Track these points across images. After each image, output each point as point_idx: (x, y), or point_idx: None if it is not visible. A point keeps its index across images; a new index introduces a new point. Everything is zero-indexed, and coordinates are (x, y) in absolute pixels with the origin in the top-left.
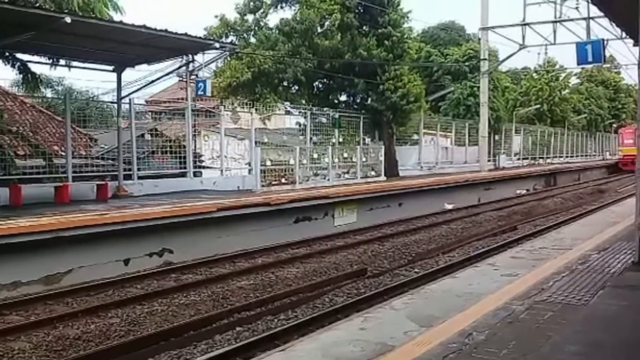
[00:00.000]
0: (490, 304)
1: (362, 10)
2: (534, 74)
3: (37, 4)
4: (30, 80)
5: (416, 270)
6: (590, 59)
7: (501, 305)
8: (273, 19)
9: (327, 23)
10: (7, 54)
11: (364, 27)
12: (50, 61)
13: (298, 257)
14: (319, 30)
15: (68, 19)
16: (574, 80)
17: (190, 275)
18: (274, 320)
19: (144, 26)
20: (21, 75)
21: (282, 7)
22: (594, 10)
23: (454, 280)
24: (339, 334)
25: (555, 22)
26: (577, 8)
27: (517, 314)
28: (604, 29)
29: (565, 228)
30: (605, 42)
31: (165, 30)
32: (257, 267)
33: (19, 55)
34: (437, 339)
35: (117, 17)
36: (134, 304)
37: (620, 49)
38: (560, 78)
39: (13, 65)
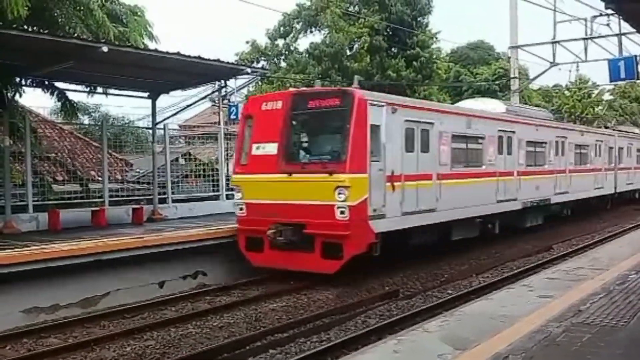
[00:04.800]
0: (525, 326)
1: (390, 33)
2: (566, 92)
3: (75, 35)
4: (69, 108)
5: (449, 291)
6: (623, 75)
7: (537, 328)
8: (303, 43)
9: (356, 46)
10: (46, 82)
11: (393, 49)
12: (88, 89)
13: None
14: (348, 53)
15: (105, 48)
16: (607, 97)
17: (224, 297)
18: (307, 343)
19: (178, 53)
20: (60, 103)
21: (311, 32)
22: (626, 27)
23: (488, 302)
24: (372, 356)
25: (586, 39)
26: (608, 25)
27: (553, 336)
28: (636, 44)
29: (602, 248)
30: (638, 58)
31: (199, 57)
32: (289, 289)
33: (58, 84)
34: None
35: (151, 45)
36: (169, 327)
37: None
38: (593, 95)
39: (52, 93)
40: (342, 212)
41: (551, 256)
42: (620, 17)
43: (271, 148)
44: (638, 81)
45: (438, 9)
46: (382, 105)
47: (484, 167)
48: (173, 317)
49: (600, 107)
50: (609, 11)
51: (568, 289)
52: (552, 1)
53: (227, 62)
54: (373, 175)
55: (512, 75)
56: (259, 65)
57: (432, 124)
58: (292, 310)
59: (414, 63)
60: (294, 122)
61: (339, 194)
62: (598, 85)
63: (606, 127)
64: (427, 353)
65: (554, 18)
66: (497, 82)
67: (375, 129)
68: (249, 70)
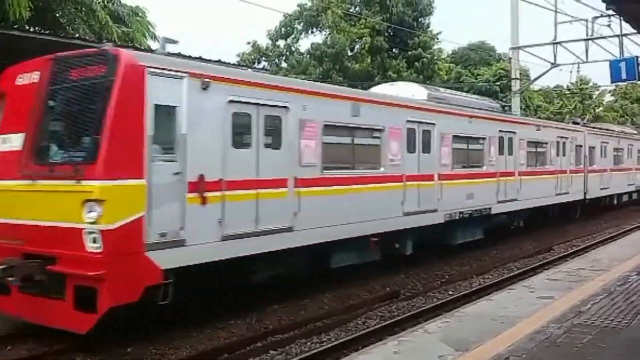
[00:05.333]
0: (526, 327)
1: (391, 33)
2: (567, 92)
3: (78, 35)
4: None
5: (450, 292)
6: (624, 76)
7: (538, 329)
8: (304, 44)
9: (357, 47)
10: None
11: (394, 50)
12: None
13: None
14: (349, 53)
15: None
16: (608, 98)
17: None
18: (307, 344)
19: (179, 54)
20: None
21: (312, 32)
22: (627, 28)
23: (489, 303)
24: (373, 357)
25: (587, 40)
26: (609, 25)
27: (554, 337)
28: (637, 45)
29: (603, 248)
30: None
31: (200, 58)
32: (290, 290)
33: None
34: None
35: (154, 45)
36: (171, 328)
37: None
38: (594, 96)
39: None
40: (93, 241)
41: (552, 257)
42: (621, 18)
43: (16, 141)
44: (639, 82)
45: (439, 10)
46: (181, 77)
47: (382, 169)
48: (174, 318)
49: (601, 108)
50: (610, 12)
51: (569, 290)
52: (552, 2)
53: (229, 64)
54: (158, 182)
55: (513, 76)
56: (260, 66)
57: (286, 108)
58: (293, 311)
59: (416, 64)
60: (50, 103)
61: (89, 211)
62: (599, 86)
63: (575, 123)
64: (428, 354)
65: (554, 19)
66: (498, 83)
67: (167, 112)
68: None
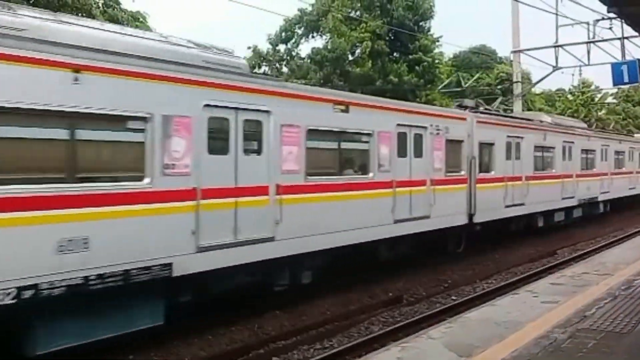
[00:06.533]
0: (531, 332)
1: (392, 37)
2: (569, 95)
3: None
4: None
5: (453, 297)
6: (626, 79)
7: (542, 334)
8: (304, 48)
9: (357, 51)
10: None
11: (395, 54)
12: None
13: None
14: (350, 58)
15: None
16: (610, 101)
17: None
18: (310, 350)
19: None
20: None
21: (313, 37)
22: (628, 30)
23: (493, 308)
24: None
25: (589, 42)
26: (610, 28)
27: (559, 342)
28: (639, 48)
29: (607, 252)
30: None
31: None
32: (291, 295)
33: None
34: None
35: None
36: (172, 335)
37: None
38: (596, 99)
39: None
40: None
41: (556, 261)
42: (623, 21)
43: None
44: None
45: (440, 14)
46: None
47: None
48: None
49: (603, 111)
50: (611, 15)
51: (573, 294)
52: (553, 5)
53: None
54: None
55: (514, 80)
56: (261, 70)
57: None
58: (295, 316)
59: (417, 68)
60: None
61: None
62: (601, 89)
63: (462, 107)
64: None
65: (556, 22)
66: (499, 87)
67: None
68: None
